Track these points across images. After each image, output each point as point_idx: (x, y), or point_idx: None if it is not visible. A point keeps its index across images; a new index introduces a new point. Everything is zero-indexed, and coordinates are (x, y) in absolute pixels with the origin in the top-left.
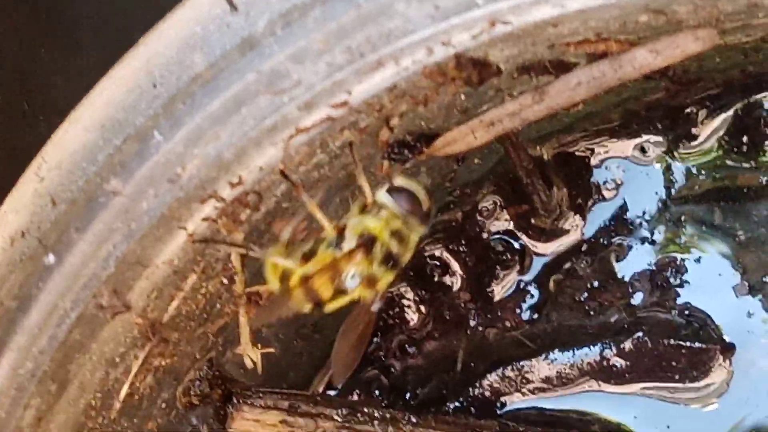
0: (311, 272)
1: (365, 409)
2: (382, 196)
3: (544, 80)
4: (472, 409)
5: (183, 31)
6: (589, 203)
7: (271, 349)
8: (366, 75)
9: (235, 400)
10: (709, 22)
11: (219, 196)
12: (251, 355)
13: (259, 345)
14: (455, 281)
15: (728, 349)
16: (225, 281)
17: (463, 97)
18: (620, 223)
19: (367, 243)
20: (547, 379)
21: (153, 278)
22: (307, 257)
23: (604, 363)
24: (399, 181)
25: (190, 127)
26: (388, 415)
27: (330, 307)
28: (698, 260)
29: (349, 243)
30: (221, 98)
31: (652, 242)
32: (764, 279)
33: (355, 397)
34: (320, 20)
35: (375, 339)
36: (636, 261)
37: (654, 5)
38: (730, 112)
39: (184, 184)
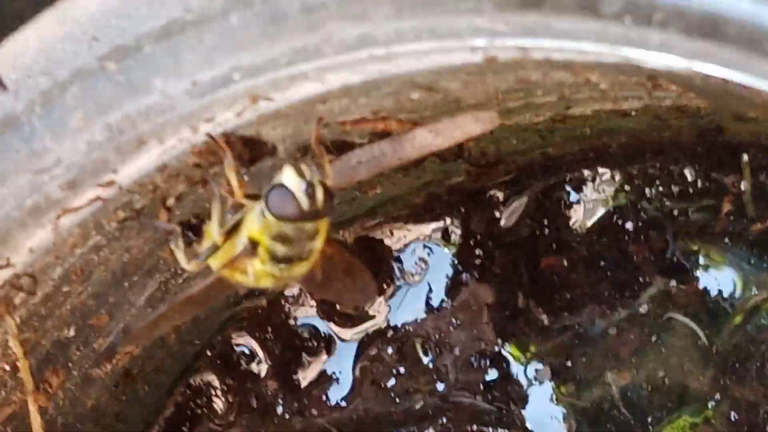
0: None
1: None
2: (262, 200)
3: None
4: None
5: None
6: (394, 288)
7: None
8: (129, 154)
9: None
10: (489, 102)
11: None
12: None
13: None
14: (262, 369)
15: None
16: (7, 368)
17: (246, 177)
18: (425, 308)
19: (252, 246)
20: None
21: None
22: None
23: None
24: (279, 178)
25: None
26: None
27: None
28: (502, 344)
29: (241, 242)
30: None
31: (458, 326)
32: (566, 364)
33: None
34: (79, 97)
35: (182, 428)
36: (441, 346)
37: (421, 81)
38: (531, 195)
39: None
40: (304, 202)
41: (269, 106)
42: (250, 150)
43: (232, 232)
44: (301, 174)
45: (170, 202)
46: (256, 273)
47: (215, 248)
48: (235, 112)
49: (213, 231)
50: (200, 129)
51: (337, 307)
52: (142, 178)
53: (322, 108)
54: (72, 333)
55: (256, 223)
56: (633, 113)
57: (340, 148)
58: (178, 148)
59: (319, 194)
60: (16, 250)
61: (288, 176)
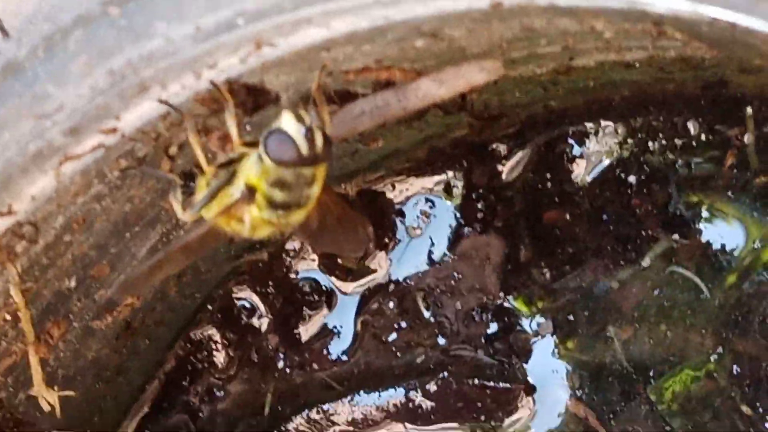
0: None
1: None
2: (261, 145)
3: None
4: None
5: None
6: (395, 242)
7: (70, 392)
8: (132, 100)
9: None
10: (494, 51)
11: None
12: (47, 397)
13: (56, 387)
14: (263, 323)
15: (531, 388)
16: (8, 317)
17: (248, 128)
18: (427, 261)
19: (250, 192)
20: (353, 422)
21: None
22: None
23: (410, 404)
24: (278, 123)
25: None
26: None
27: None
28: (504, 298)
29: (238, 189)
30: None
31: (460, 279)
32: (569, 318)
33: None
34: (81, 42)
35: (183, 382)
36: (443, 300)
37: (426, 28)
38: (534, 148)
39: None
40: (303, 147)
41: (273, 52)
42: (254, 98)
43: (228, 180)
44: (300, 119)
45: (173, 150)
46: (253, 221)
47: (211, 196)
48: (239, 58)
49: (204, 177)
50: (203, 75)
51: (339, 261)
52: (145, 126)
53: (326, 56)
54: (73, 284)
55: (254, 168)
56: (637, 65)
57: (343, 97)
58: (181, 95)
59: (318, 139)
60: (18, 197)
61: (287, 121)
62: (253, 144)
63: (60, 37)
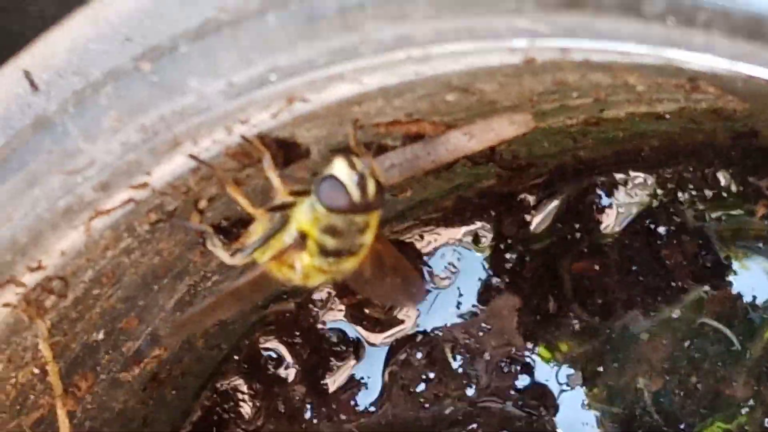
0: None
1: None
2: (313, 192)
3: None
4: None
5: None
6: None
7: None
8: (164, 155)
9: None
10: (524, 104)
11: (18, 281)
12: None
13: None
14: (290, 374)
15: None
16: (37, 371)
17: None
18: (455, 312)
19: (302, 238)
20: None
21: None
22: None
23: None
24: (331, 169)
25: None
26: None
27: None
28: (533, 349)
29: (290, 235)
30: (13, 178)
31: (488, 331)
32: (598, 369)
33: None
34: (113, 97)
35: None
36: (471, 351)
37: (457, 83)
38: (563, 198)
39: None
40: (355, 194)
41: (305, 107)
42: (285, 152)
43: (282, 226)
44: (352, 166)
45: (202, 204)
46: (305, 267)
47: (265, 239)
48: (270, 113)
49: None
50: (235, 130)
51: (366, 311)
52: (175, 180)
53: (357, 110)
54: (101, 336)
55: (305, 215)
56: (667, 116)
57: (372, 150)
58: (212, 150)
59: (371, 187)
60: (47, 253)
61: (339, 168)
62: (298, 193)
63: (90, 92)
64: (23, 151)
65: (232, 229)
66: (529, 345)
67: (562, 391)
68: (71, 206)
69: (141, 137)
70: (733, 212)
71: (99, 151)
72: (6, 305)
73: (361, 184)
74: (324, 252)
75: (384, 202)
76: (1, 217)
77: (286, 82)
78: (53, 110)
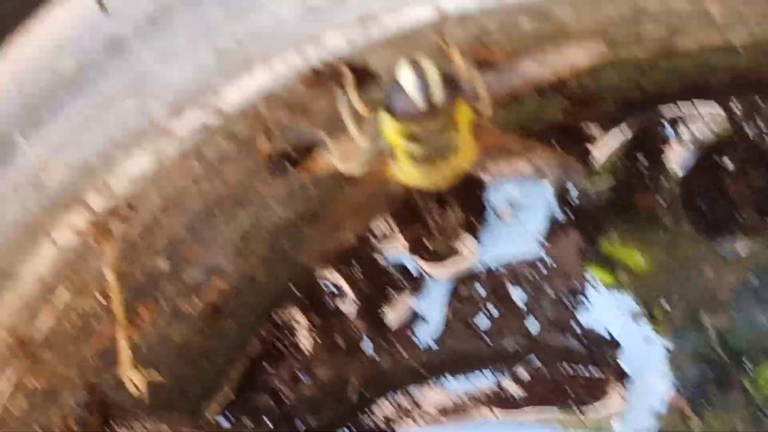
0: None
1: None
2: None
3: None
4: None
5: (52, 33)
6: (485, 224)
7: (158, 377)
8: (235, 78)
9: (113, 425)
10: (597, 33)
11: (88, 205)
12: (134, 380)
13: (144, 371)
14: (349, 308)
15: (623, 375)
16: (101, 299)
17: None
18: (518, 246)
19: (391, 147)
20: (440, 407)
21: (21, 292)
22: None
23: (499, 390)
24: (396, 76)
25: (55, 132)
26: None
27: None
28: (596, 284)
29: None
30: (87, 102)
31: (551, 265)
32: (663, 304)
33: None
34: (186, 20)
35: (267, 366)
36: (533, 285)
37: (533, 8)
38: (628, 132)
39: (49, 191)
40: (419, 100)
41: (379, 32)
42: (357, 78)
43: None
44: (417, 70)
45: (273, 131)
46: (407, 176)
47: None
48: (345, 37)
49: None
50: (308, 54)
51: (426, 243)
52: (247, 105)
53: (432, 36)
54: (166, 265)
55: (386, 126)
56: (740, 49)
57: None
58: (284, 74)
59: (437, 90)
60: (117, 177)
61: (403, 74)
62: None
63: (163, 15)
64: (95, 73)
65: (297, 156)
66: (592, 280)
67: (625, 325)
68: (143, 130)
69: (214, 59)
70: None
71: (172, 73)
72: (73, 230)
73: (424, 89)
74: (414, 159)
75: (455, 99)
76: (72, 140)
77: (365, 5)
78: (126, 33)
